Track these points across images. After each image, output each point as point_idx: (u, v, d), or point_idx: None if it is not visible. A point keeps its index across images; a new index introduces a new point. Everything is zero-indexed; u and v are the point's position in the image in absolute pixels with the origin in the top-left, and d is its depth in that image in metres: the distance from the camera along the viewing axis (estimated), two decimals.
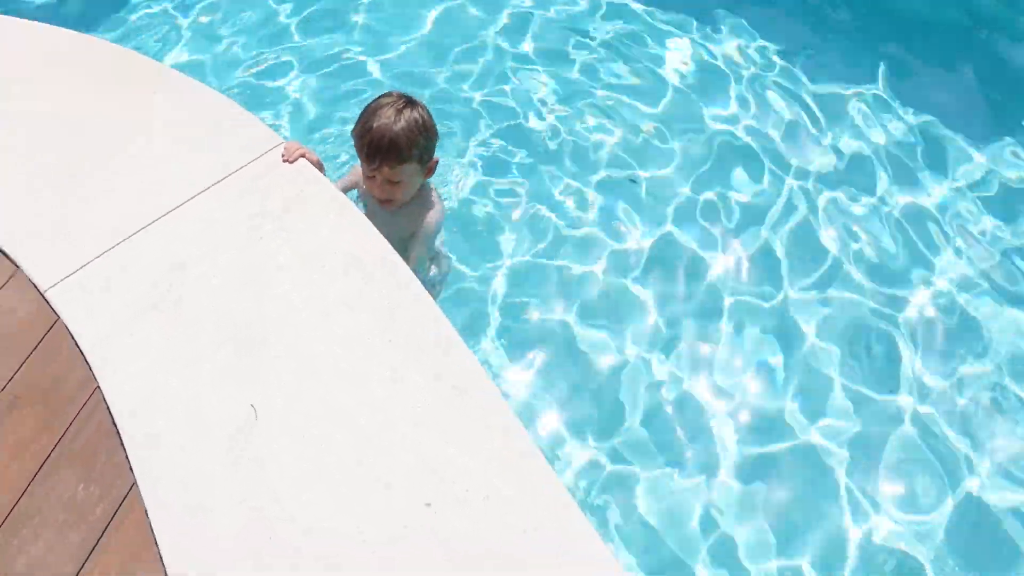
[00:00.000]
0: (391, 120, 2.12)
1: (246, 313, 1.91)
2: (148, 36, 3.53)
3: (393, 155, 2.15)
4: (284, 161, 2.22)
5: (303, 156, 2.23)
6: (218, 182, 2.18)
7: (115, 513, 1.64)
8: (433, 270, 2.60)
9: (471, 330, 2.61)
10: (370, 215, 2.44)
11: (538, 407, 2.49)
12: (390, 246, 2.04)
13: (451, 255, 2.75)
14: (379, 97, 2.20)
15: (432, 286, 2.58)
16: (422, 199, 2.36)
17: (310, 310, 1.90)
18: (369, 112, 2.16)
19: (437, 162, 2.30)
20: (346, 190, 2.46)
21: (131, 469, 1.69)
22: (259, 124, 2.33)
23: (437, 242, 2.53)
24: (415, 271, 2.40)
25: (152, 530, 1.60)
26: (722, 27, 3.65)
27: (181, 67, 3.32)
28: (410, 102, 2.18)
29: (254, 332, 1.87)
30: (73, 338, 1.92)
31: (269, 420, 1.72)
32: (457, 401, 1.72)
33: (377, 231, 2.08)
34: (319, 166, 2.27)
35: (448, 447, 1.66)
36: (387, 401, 1.73)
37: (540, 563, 1.51)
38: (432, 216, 2.36)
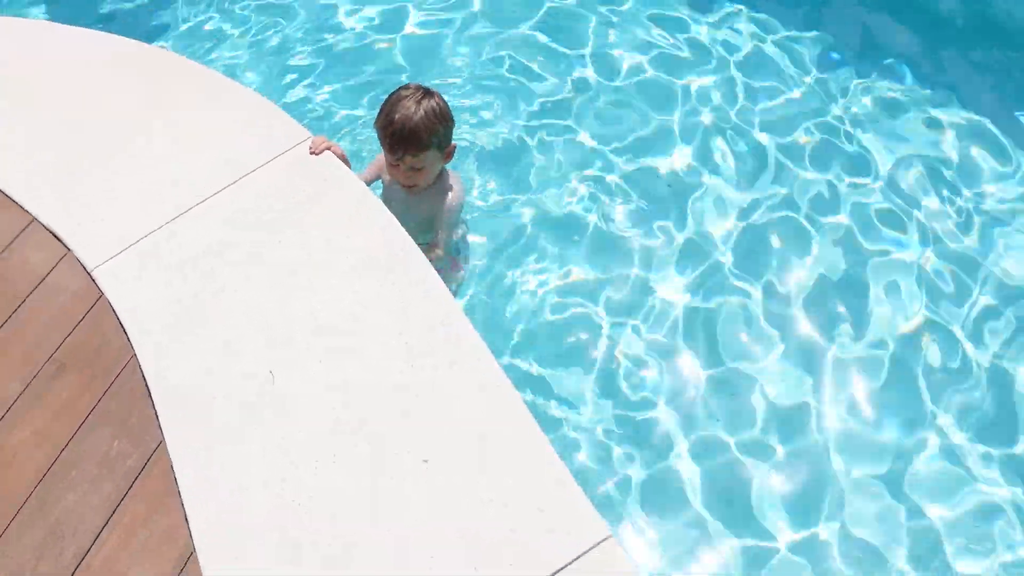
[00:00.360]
0: (411, 111, 2.26)
1: (275, 302, 2.06)
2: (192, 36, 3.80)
3: (414, 144, 2.29)
4: (311, 154, 2.37)
5: (329, 149, 2.38)
6: (248, 174, 2.34)
7: (143, 467, 1.80)
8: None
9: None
10: (394, 199, 2.59)
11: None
12: (410, 238, 2.16)
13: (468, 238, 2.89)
14: (398, 90, 2.34)
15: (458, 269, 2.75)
16: (442, 183, 2.50)
17: (333, 302, 2.04)
18: (390, 105, 2.30)
19: (455, 147, 2.43)
20: (370, 180, 2.61)
21: (160, 428, 1.85)
22: (289, 120, 2.50)
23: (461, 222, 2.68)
24: (445, 249, 2.55)
25: (178, 484, 1.76)
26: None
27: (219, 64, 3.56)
28: (427, 92, 2.31)
29: (282, 318, 2.02)
30: (115, 312, 2.10)
31: (296, 408, 1.85)
32: (471, 395, 1.82)
33: (398, 222, 2.21)
34: (344, 159, 2.42)
35: (462, 436, 1.76)
36: (402, 393, 1.84)
37: (555, 556, 1.58)
38: (452, 198, 2.51)
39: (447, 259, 2.66)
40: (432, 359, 1.89)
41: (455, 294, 2.73)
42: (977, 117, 3.28)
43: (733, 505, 2.35)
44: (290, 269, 2.12)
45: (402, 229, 2.18)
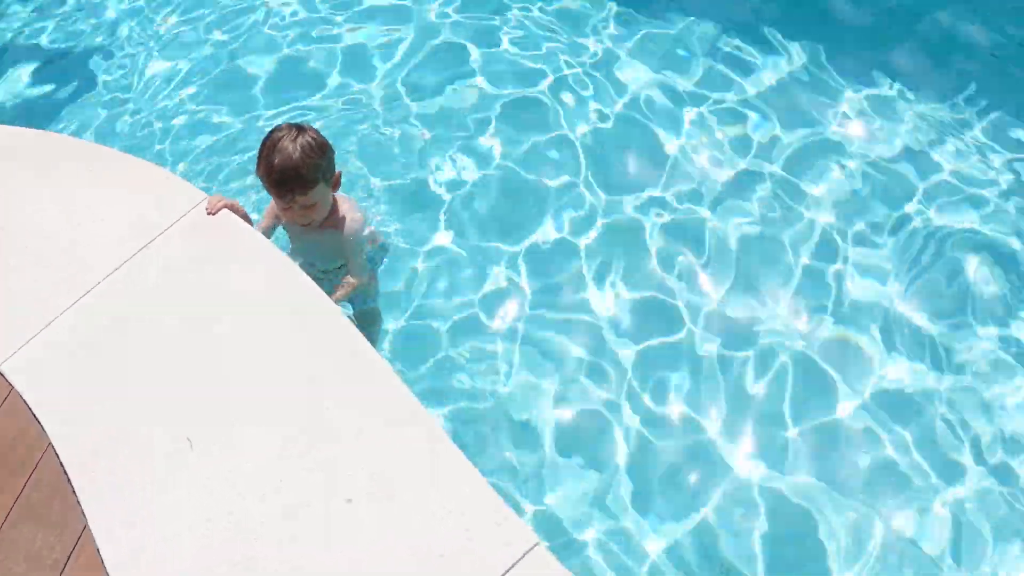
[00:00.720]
0: (289, 151, 2.24)
1: (184, 364, 2.07)
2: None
3: (300, 183, 2.28)
4: (208, 215, 2.37)
5: (225, 207, 2.39)
6: (149, 243, 2.33)
7: (70, 555, 1.78)
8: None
9: None
10: (295, 240, 2.61)
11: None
12: (313, 283, 2.19)
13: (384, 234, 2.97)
14: (270, 133, 2.32)
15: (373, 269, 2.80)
16: (336, 212, 2.51)
17: (243, 354, 2.06)
18: (267, 150, 2.29)
19: (340, 174, 2.44)
20: (269, 228, 2.62)
21: (83, 513, 1.84)
22: (183, 183, 2.50)
23: (366, 232, 2.68)
24: (359, 273, 2.58)
25: (104, 566, 1.74)
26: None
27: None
28: (300, 129, 2.31)
29: (191, 379, 2.04)
30: (26, 404, 2.08)
31: (207, 464, 1.88)
32: (387, 430, 1.86)
33: (299, 269, 2.23)
34: (243, 214, 2.43)
35: (383, 469, 1.79)
36: (315, 433, 1.88)
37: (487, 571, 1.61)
38: (352, 223, 2.51)
39: (366, 278, 2.67)
40: (345, 393, 1.93)
41: (375, 301, 2.80)
42: None
43: None
44: (196, 325, 2.14)
45: (305, 275, 2.20)
